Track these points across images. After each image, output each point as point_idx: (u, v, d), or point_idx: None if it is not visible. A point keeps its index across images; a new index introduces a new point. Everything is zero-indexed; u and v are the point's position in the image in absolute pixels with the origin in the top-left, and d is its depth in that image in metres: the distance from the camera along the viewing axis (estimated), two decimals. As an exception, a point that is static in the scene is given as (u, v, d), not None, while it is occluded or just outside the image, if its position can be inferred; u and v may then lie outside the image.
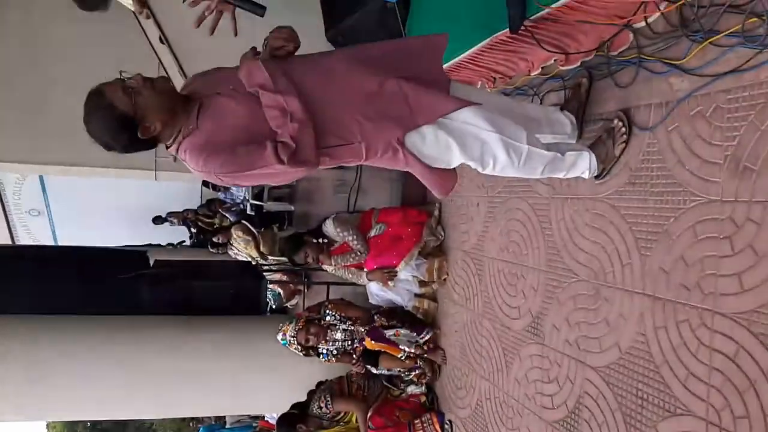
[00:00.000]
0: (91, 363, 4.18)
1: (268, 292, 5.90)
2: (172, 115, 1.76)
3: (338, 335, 3.96)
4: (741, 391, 1.66)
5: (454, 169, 1.98)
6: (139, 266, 5.15)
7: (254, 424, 7.85)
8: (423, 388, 3.91)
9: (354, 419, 4.00)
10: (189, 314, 4.71)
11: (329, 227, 3.96)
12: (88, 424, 22.46)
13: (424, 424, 3.73)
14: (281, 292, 6.53)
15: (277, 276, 6.26)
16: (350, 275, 4.09)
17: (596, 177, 2.23)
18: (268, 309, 6.07)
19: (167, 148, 1.82)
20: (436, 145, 1.88)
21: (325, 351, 3.97)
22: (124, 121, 1.70)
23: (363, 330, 3.84)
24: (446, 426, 3.68)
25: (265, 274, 5.81)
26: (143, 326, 4.50)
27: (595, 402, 2.30)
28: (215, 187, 8.47)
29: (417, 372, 3.83)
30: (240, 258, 6.60)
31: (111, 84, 1.73)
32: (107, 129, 1.72)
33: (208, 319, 4.70)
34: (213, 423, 9.78)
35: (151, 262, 5.34)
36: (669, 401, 1.92)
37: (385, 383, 4.00)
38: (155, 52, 5.57)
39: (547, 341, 2.64)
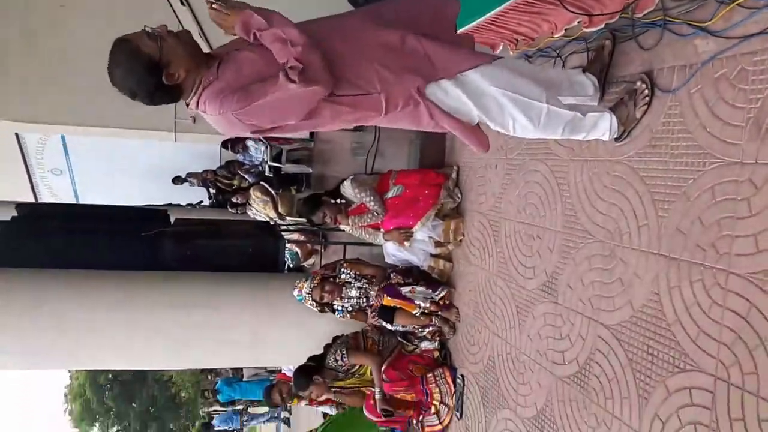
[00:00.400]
0: (112, 315, 4.29)
1: (286, 252, 5.98)
2: (195, 64, 1.79)
3: (353, 293, 4.03)
4: (751, 349, 1.69)
5: (478, 124, 2.00)
6: (160, 224, 5.25)
7: (271, 378, 8.04)
8: (436, 344, 3.99)
9: (368, 372, 4.10)
10: (208, 270, 4.81)
11: (347, 188, 3.99)
12: (110, 375, 23.09)
13: (437, 378, 3.82)
14: (299, 251, 6.62)
15: (295, 236, 6.34)
16: (367, 235, 4.13)
17: (616, 139, 2.23)
18: (286, 268, 6.16)
19: (188, 105, 1.85)
20: (458, 101, 1.90)
21: (340, 307, 4.04)
22: (150, 65, 1.72)
23: (378, 287, 3.91)
24: (458, 380, 3.76)
25: (283, 233, 5.89)
26: (163, 281, 4.61)
27: (606, 358, 2.35)
28: (234, 148, 8.51)
29: (431, 329, 3.90)
30: (258, 218, 6.67)
31: (137, 32, 1.75)
32: (132, 72, 1.73)
33: (228, 275, 4.79)
34: (230, 376, 10.02)
35: (172, 221, 5.43)
36: (679, 358, 1.96)
37: (399, 339, 4.09)
38: (176, 14, 5.54)
39: (560, 300, 2.68)
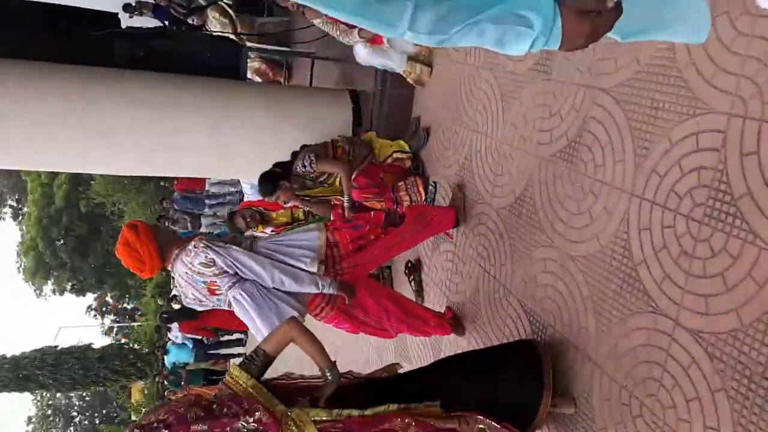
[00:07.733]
0: (66, 109, 3.72)
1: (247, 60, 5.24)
2: None
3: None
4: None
5: None
6: (111, 25, 4.71)
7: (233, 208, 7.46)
8: (409, 153, 3.71)
9: (338, 182, 3.66)
10: (165, 71, 4.21)
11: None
12: (62, 230, 19.55)
13: (408, 186, 3.54)
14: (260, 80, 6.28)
15: (257, 64, 5.99)
16: (338, 32, 3.63)
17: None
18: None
19: None
20: None
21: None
22: None
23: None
24: (431, 187, 3.52)
25: (247, 44, 5.33)
26: (119, 78, 3.96)
27: (600, 124, 2.13)
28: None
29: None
30: (217, 38, 6.14)
31: None
32: None
33: (187, 78, 4.21)
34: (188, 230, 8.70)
35: (124, 26, 4.84)
36: (689, 104, 1.72)
37: (370, 149, 3.74)
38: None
39: (554, 75, 2.43)
